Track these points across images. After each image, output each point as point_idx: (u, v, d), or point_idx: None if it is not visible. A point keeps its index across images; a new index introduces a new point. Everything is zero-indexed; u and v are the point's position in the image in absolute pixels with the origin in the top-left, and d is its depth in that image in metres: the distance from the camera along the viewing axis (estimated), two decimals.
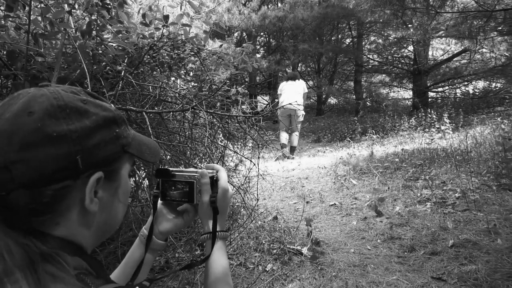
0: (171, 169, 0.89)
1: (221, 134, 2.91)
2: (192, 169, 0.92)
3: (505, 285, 1.95)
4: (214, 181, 0.90)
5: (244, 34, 13.70)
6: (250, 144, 3.46)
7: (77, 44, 1.78)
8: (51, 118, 0.53)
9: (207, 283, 0.84)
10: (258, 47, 15.72)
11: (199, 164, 2.54)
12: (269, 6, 12.63)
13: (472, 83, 11.72)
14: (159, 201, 0.91)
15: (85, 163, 0.56)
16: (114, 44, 1.99)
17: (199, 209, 0.90)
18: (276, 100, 7.43)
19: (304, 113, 7.26)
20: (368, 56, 13.43)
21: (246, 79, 14.62)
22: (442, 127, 7.03)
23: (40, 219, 0.55)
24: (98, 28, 1.85)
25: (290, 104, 5.89)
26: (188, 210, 0.92)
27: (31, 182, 0.52)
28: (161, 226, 0.90)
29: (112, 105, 0.65)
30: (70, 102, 0.56)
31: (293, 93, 6.89)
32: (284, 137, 6.93)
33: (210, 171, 0.91)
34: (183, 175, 0.89)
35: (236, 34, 13.72)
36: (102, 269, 0.62)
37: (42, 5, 1.69)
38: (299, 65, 15.67)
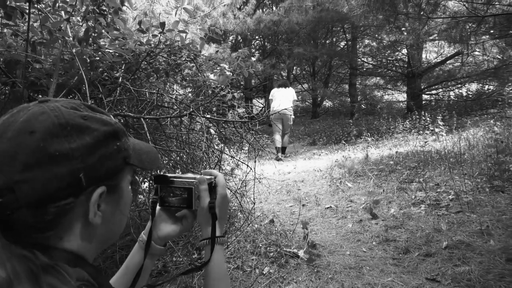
0: (169, 175, 0.90)
1: (217, 138, 2.94)
2: (190, 174, 0.94)
3: (498, 285, 1.99)
4: (212, 187, 0.91)
5: (240, 38, 13.75)
6: (246, 148, 3.49)
7: (74, 51, 1.80)
8: (53, 137, 0.53)
9: (206, 287, 0.85)
10: (254, 50, 15.77)
11: (195, 170, 2.56)
12: (264, 10, 12.71)
13: (466, 85, 11.82)
14: (158, 207, 0.92)
15: (88, 179, 0.56)
16: (111, 51, 2.01)
17: (198, 215, 0.91)
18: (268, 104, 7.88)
19: (293, 117, 8.10)
20: (363, 59, 13.52)
21: (242, 83, 14.66)
22: (436, 130, 7.10)
23: (44, 235, 0.55)
24: (95, 35, 1.88)
25: (285, 109, 6.53)
26: (186, 216, 0.93)
27: (35, 202, 0.52)
28: (160, 231, 0.91)
29: (112, 117, 0.65)
30: (71, 119, 0.56)
31: (284, 99, 7.62)
32: (278, 140, 7.49)
33: (208, 177, 0.92)
34: (181, 181, 0.90)
35: (231, 38, 13.77)
36: (103, 278, 0.62)
37: (41, 13, 1.71)
38: (294, 68, 15.75)
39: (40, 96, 1.99)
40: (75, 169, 0.54)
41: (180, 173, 0.96)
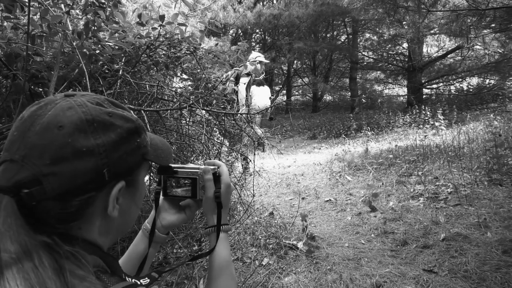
0: (173, 165, 0.91)
1: (217, 132, 2.96)
2: (192, 165, 0.95)
3: (494, 276, 2.01)
4: (217, 176, 0.93)
5: (240, 31, 13.71)
6: (246, 140, 3.50)
7: (75, 44, 1.81)
8: (80, 132, 0.55)
9: (211, 273, 0.87)
10: (254, 44, 15.73)
11: (196, 161, 2.58)
12: (264, 3, 12.65)
13: (466, 79, 11.82)
14: (161, 197, 0.94)
15: (110, 174, 0.58)
16: (111, 44, 2.02)
17: (204, 204, 0.92)
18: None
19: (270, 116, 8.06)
20: (363, 53, 13.50)
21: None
22: (436, 124, 7.11)
23: (65, 226, 0.58)
24: (95, 28, 1.88)
25: (269, 106, 6.59)
26: (190, 205, 0.95)
27: (61, 194, 0.54)
28: (164, 220, 0.93)
29: (133, 113, 0.67)
30: (97, 115, 0.57)
31: (265, 96, 7.54)
32: (259, 132, 7.58)
33: (212, 167, 0.93)
34: (185, 171, 0.91)
35: (231, 32, 13.72)
36: (116, 265, 0.64)
37: (41, 6, 1.72)
38: (295, 62, 15.72)
39: (40, 89, 2.01)
40: (99, 164, 0.56)
41: (183, 164, 0.96)
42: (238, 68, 5.19)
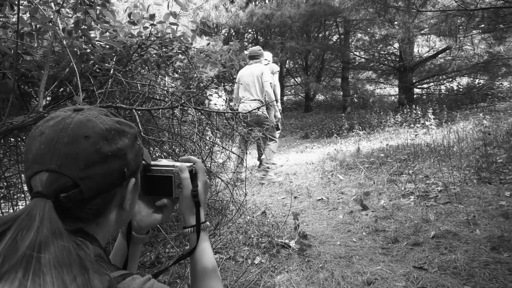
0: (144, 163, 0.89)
1: (209, 131, 2.96)
2: (166, 161, 0.92)
3: (482, 272, 2.04)
4: (193, 174, 0.91)
5: (232, 31, 13.70)
6: (238, 140, 3.50)
7: (65, 42, 1.80)
8: (104, 140, 0.64)
9: (195, 273, 0.86)
10: (246, 44, 15.72)
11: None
12: (256, 3, 12.66)
13: (456, 79, 11.95)
14: None
15: (129, 173, 0.70)
16: (102, 43, 2.01)
17: (180, 203, 0.91)
18: None
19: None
20: (355, 53, 13.57)
21: (235, 76, 14.63)
22: (427, 123, 7.19)
23: (90, 222, 0.68)
24: (85, 27, 1.87)
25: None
26: (167, 204, 0.93)
27: (94, 193, 0.64)
28: (140, 221, 0.92)
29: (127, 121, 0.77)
30: (112, 125, 0.67)
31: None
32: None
33: (188, 164, 0.92)
34: (160, 170, 0.88)
35: (224, 31, 13.70)
36: (108, 258, 0.71)
37: (30, 5, 1.70)
38: (287, 62, 15.75)
39: (30, 89, 1.99)
40: (122, 165, 0.67)
41: (159, 161, 0.94)
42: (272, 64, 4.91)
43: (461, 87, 11.73)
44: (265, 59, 6.12)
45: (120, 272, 0.65)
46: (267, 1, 12.89)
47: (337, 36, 15.04)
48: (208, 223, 0.93)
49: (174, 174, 0.88)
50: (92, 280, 0.54)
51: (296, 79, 16.49)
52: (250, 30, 14.57)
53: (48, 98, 2.12)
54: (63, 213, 0.60)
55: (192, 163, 0.93)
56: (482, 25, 5.41)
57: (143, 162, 0.82)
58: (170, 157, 2.38)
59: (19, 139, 2.13)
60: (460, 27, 4.99)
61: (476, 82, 11.50)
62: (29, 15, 1.71)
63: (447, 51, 11.07)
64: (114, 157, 0.65)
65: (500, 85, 10.95)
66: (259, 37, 15.61)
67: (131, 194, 0.73)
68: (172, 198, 0.91)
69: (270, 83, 4.87)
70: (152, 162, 0.90)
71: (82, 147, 0.62)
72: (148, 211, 0.92)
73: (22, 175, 2.09)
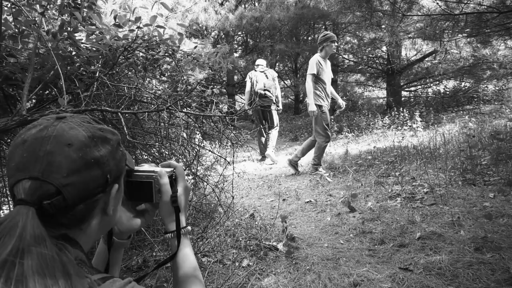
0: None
1: (199, 134, 2.95)
2: (147, 166, 0.92)
3: (466, 273, 2.08)
4: (173, 180, 0.91)
5: (222, 33, 13.70)
6: (225, 143, 3.50)
7: (49, 45, 1.78)
8: (86, 147, 0.65)
9: (177, 279, 0.86)
10: (236, 46, 15.73)
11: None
12: (246, 6, 12.68)
13: (443, 82, 12.14)
14: None
15: (112, 179, 0.71)
16: (88, 45, 1.99)
17: (160, 209, 0.91)
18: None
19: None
20: (344, 56, 13.68)
21: (224, 79, 14.62)
22: (414, 125, 7.29)
23: (73, 228, 0.68)
24: (71, 29, 1.86)
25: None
26: (147, 209, 0.93)
27: (78, 200, 0.65)
28: (121, 226, 0.91)
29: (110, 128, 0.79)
30: (94, 132, 0.68)
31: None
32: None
33: (168, 169, 0.92)
34: (140, 175, 0.88)
35: (213, 34, 13.69)
36: (90, 262, 0.71)
37: (14, 7, 1.68)
38: (277, 64, 15.80)
39: (14, 92, 1.96)
40: (105, 171, 0.68)
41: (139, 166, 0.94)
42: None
43: (448, 90, 11.92)
44: (260, 65, 6.44)
45: (100, 275, 0.65)
46: (256, 4, 12.92)
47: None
48: (189, 227, 0.93)
49: (154, 180, 0.89)
50: (75, 285, 0.55)
51: (285, 82, 16.55)
52: (239, 33, 14.57)
53: (32, 101, 2.10)
54: (46, 220, 0.61)
55: (172, 168, 0.94)
56: (467, 29, 5.52)
57: (127, 167, 0.82)
58: (158, 161, 2.37)
59: (2, 141, 2.10)
60: (446, 31, 5.08)
61: (462, 85, 11.70)
62: (13, 19, 1.69)
63: (434, 54, 11.24)
64: (97, 164, 0.66)
65: (486, 88, 11.16)
66: (248, 39, 15.64)
67: (114, 199, 0.74)
68: (153, 203, 0.91)
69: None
70: (134, 168, 0.90)
71: (64, 154, 0.62)
72: (129, 216, 0.92)
73: (6, 177, 2.06)
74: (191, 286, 0.84)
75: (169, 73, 2.50)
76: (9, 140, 2.06)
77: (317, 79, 4.94)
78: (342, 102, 5.24)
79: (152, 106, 2.25)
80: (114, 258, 0.92)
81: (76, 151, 0.63)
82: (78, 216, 0.67)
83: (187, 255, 0.89)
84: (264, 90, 6.23)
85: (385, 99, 12.36)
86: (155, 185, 0.89)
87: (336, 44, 4.94)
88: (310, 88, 4.86)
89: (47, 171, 0.61)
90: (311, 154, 5.25)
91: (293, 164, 5.30)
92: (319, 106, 4.87)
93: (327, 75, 5.05)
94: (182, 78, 2.36)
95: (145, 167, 0.92)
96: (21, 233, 0.54)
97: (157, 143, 2.31)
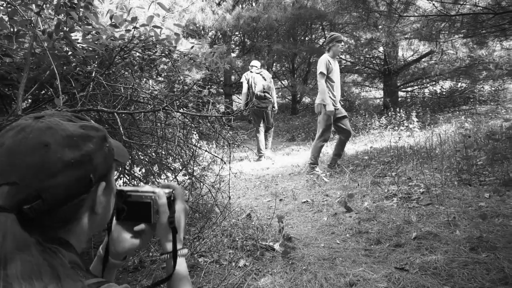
0: (126, 189, 0.90)
1: (196, 135, 2.95)
2: (147, 187, 0.93)
3: (461, 272, 2.09)
4: (171, 201, 0.91)
5: (219, 33, 13.69)
6: (222, 143, 3.50)
7: (45, 45, 1.78)
8: (65, 147, 0.63)
9: None
10: (234, 46, 15.73)
11: (172, 164, 2.57)
12: (243, 6, 12.67)
13: (439, 83, 12.17)
14: (114, 221, 0.92)
15: (95, 178, 0.68)
16: (84, 45, 1.99)
17: (157, 230, 0.91)
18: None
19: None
20: (341, 56, 13.69)
21: (221, 79, 14.61)
22: (410, 126, 7.31)
23: (59, 230, 0.66)
24: (67, 29, 1.85)
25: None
26: (145, 230, 0.93)
27: (59, 203, 0.63)
28: (118, 246, 0.91)
29: (95, 123, 0.76)
30: (74, 130, 0.66)
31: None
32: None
33: (167, 190, 0.92)
34: (138, 196, 0.89)
35: (210, 34, 13.68)
36: (86, 264, 0.70)
37: (10, 6, 1.68)
38: (274, 65, 15.81)
39: (10, 91, 1.96)
40: (87, 171, 0.66)
41: (138, 187, 0.95)
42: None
43: (444, 90, 11.95)
44: (255, 66, 6.57)
45: (95, 280, 0.64)
46: (254, 4, 12.91)
47: (323, 39, 15.15)
48: (186, 250, 0.93)
49: (153, 200, 0.89)
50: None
51: (282, 82, 16.56)
52: (237, 33, 14.56)
53: (28, 101, 2.09)
54: (29, 224, 0.59)
55: (171, 189, 0.94)
56: (463, 30, 5.54)
57: (117, 162, 0.80)
58: (154, 161, 2.37)
59: None
60: (442, 32, 5.11)
61: (458, 86, 11.74)
62: (8, 18, 1.69)
63: (430, 55, 11.28)
64: (79, 164, 0.64)
65: (482, 89, 11.21)
66: (246, 40, 15.63)
67: (103, 197, 0.72)
68: (150, 224, 0.91)
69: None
70: (133, 188, 0.92)
71: (42, 156, 0.60)
72: (127, 236, 0.91)
73: None
74: None
75: (165, 73, 2.50)
76: None
77: (327, 77, 4.94)
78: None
79: (149, 106, 2.24)
80: (106, 278, 0.90)
81: (54, 152, 0.61)
82: (63, 217, 0.65)
83: (182, 279, 0.88)
84: (264, 92, 6.43)
85: (382, 99, 12.38)
86: (154, 206, 0.89)
87: (342, 44, 4.95)
88: (324, 88, 4.84)
89: (25, 175, 0.59)
90: (311, 154, 5.25)
91: (332, 167, 5.27)
92: (324, 106, 4.89)
93: (336, 74, 5.06)
94: (179, 78, 2.36)
95: (145, 188, 0.92)
96: (2, 242, 0.53)
97: (154, 143, 2.31)
